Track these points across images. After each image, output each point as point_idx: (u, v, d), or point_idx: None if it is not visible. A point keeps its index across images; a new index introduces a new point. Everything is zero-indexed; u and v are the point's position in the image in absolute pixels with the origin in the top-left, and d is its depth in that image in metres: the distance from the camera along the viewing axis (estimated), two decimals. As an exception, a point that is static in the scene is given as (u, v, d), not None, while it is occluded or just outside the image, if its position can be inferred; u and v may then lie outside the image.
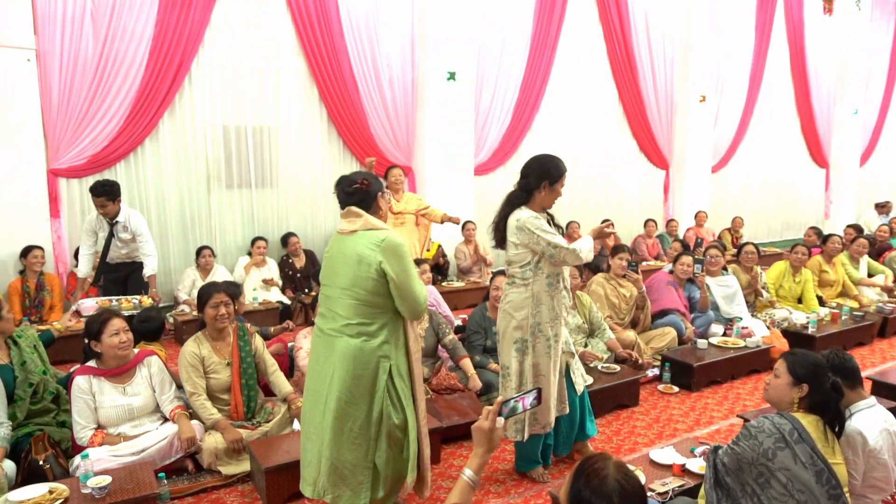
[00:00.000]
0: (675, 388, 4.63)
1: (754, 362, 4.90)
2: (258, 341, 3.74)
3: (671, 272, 5.66)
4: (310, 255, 7.26)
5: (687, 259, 5.50)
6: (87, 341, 3.34)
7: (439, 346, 4.41)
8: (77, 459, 3.15)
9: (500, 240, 3.29)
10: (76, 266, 5.49)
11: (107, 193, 4.96)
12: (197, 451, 3.35)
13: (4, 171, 5.74)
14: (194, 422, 3.42)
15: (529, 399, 1.97)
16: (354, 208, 2.63)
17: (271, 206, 7.29)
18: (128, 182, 6.46)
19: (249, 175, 7.10)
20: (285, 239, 7.10)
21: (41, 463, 3.07)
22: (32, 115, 5.87)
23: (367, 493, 2.61)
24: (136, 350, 3.48)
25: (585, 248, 3.10)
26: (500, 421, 1.95)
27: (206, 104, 6.74)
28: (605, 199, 9.89)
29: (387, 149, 7.80)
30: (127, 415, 3.35)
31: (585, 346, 4.80)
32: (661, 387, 4.66)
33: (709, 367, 4.67)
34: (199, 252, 6.43)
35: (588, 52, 9.29)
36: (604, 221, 3.38)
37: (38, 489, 2.75)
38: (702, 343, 4.94)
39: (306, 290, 6.88)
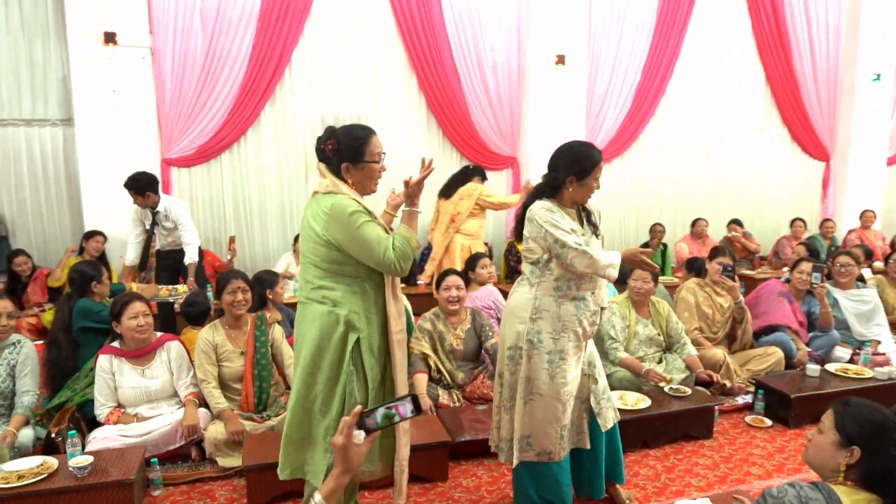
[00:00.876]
0: (768, 422, 3.83)
1: (881, 398, 3.91)
2: (277, 332, 3.64)
3: (787, 281, 4.74)
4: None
5: (805, 266, 4.56)
6: (111, 321, 3.44)
7: (483, 351, 4.04)
8: (93, 433, 3.27)
9: (518, 233, 2.87)
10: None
11: (131, 188, 5.06)
12: (201, 439, 3.33)
13: (125, 161, 6.23)
14: (203, 410, 3.41)
15: (407, 407, 1.58)
16: (322, 166, 2.39)
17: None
18: (231, 171, 6.78)
19: (347, 165, 7.13)
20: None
21: (53, 436, 3.20)
22: (148, 108, 6.34)
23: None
24: (158, 334, 3.54)
25: (605, 260, 2.55)
26: (360, 436, 1.59)
27: (305, 95, 6.87)
28: (745, 197, 8.70)
29: (489, 139, 7.46)
30: (144, 396, 3.41)
31: (660, 361, 4.15)
32: (749, 418, 3.88)
33: (812, 399, 3.79)
34: (296, 239, 6.59)
35: (727, 26, 8.18)
36: (644, 245, 2.83)
37: (30, 461, 2.85)
38: (812, 369, 4.05)
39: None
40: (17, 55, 6.16)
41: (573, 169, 2.61)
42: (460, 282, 3.98)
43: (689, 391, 3.75)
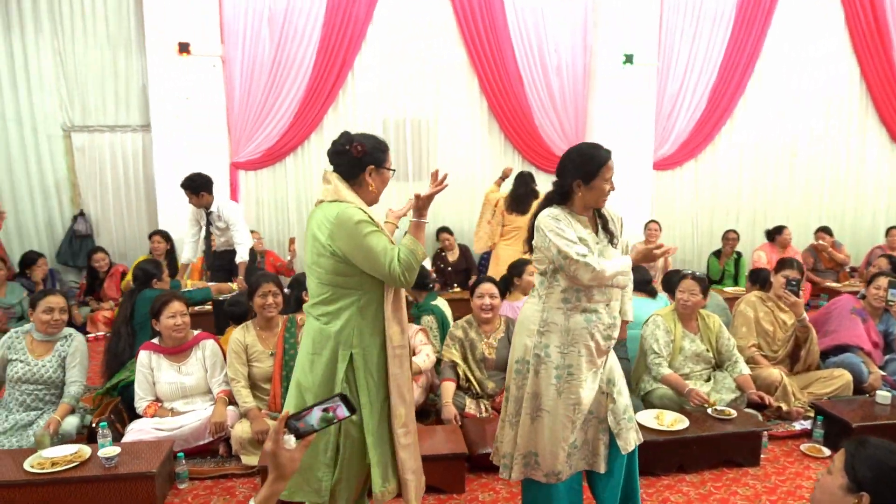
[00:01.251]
0: (826, 451, 3.49)
1: (965, 433, 3.48)
2: (307, 335, 3.68)
3: (863, 297, 4.32)
4: (464, 251, 7.09)
5: (881, 281, 4.14)
6: (152, 318, 3.61)
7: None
8: (131, 425, 3.45)
9: (530, 244, 2.76)
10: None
11: (187, 188, 5.23)
12: (228, 437, 3.43)
13: (196, 165, 6.51)
14: (232, 408, 3.51)
15: (342, 408, 1.54)
16: (331, 173, 2.35)
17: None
18: (295, 174, 6.99)
19: (407, 168, 7.18)
20: (438, 233, 7.04)
21: (94, 425, 3.40)
22: (219, 114, 6.65)
23: (327, 493, 2.34)
24: (195, 332, 3.68)
25: (611, 269, 2.40)
26: (290, 441, 1.56)
27: (367, 99, 6.98)
28: (834, 202, 8.04)
29: (552, 141, 7.29)
30: (180, 392, 3.55)
31: (708, 379, 3.89)
32: (805, 446, 3.55)
33: (877, 430, 3.42)
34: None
35: (816, 16, 7.59)
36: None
37: (66, 449, 3.03)
38: (883, 396, 3.65)
39: (455, 286, 6.75)
40: (103, 66, 6.62)
41: (579, 173, 2.47)
42: (494, 290, 3.89)
43: (734, 413, 3.48)
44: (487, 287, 3.88)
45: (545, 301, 2.54)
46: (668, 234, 7.46)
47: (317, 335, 2.30)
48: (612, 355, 2.65)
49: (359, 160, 2.32)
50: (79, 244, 6.79)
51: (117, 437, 3.36)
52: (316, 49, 6.71)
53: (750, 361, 4.03)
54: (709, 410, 3.51)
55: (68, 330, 3.62)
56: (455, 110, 7.17)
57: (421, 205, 2.34)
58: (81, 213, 6.80)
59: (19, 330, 3.58)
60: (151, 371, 3.54)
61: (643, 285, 4.48)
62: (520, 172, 6.05)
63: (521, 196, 5.88)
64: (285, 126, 6.83)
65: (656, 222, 6.94)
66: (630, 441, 2.62)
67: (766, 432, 3.49)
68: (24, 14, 6.43)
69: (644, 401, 3.84)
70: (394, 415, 2.34)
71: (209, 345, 3.64)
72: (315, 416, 1.55)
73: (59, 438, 3.29)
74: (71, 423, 3.40)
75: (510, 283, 4.49)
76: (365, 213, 2.26)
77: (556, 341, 2.52)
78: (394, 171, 2.46)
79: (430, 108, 7.12)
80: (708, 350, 3.90)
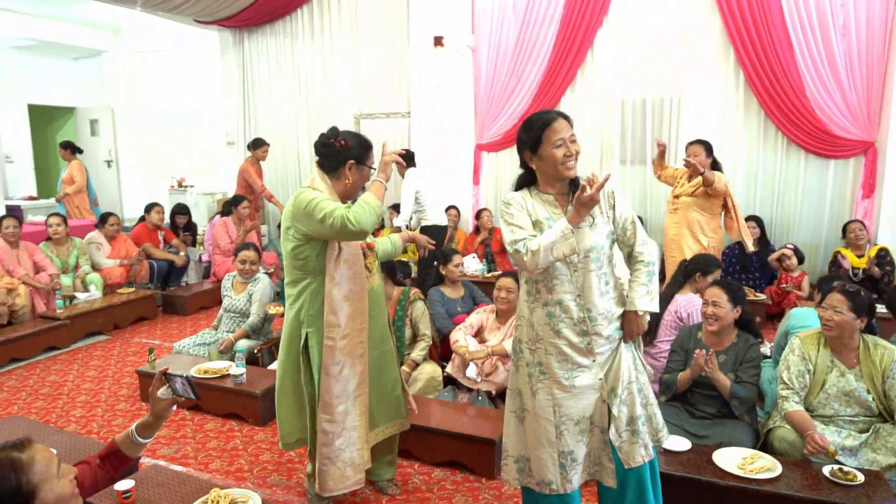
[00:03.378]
0: None
1: None
2: (417, 309, 3.94)
3: None
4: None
5: None
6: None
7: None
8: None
9: None
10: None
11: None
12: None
13: (447, 147, 7.30)
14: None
15: (189, 391, 1.92)
16: (316, 165, 2.58)
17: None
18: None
19: (645, 151, 6.72)
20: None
21: (256, 353, 4.31)
22: (467, 100, 7.23)
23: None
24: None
25: (546, 240, 2.12)
26: (164, 392, 1.96)
27: (606, 78, 6.73)
28: None
29: (831, 118, 5.96)
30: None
31: (865, 430, 2.95)
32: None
33: None
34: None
35: None
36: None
37: (222, 364, 3.97)
38: None
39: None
40: (382, 61, 7.77)
41: (526, 143, 2.27)
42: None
43: (859, 478, 2.62)
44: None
45: (521, 290, 2.41)
46: None
47: (288, 316, 2.61)
48: (625, 356, 2.32)
49: (340, 154, 2.52)
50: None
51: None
52: (557, 29, 6.74)
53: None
54: (825, 470, 2.71)
55: (259, 275, 4.62)
56: (704, 86, 6.39)
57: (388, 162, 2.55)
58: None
59: (230, 274, 4.72)
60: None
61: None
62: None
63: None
64: (525, 108, 7.04)
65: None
66: (634, 456, 2.31)
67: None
68: (325, 22, 7.95)
69: (765, 441, 3.13)
70: (320, 399, 2.52)
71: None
72: (178, 384, 1.95)
73: (233, 354, 4.28)
74: (245, 345, 4.38)
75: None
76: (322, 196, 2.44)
77: (525, 336, 2.37)
78: (374, 169, 2.58)
79: (675, 85, 6.50)
80: (869, 391, 2.95)
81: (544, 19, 6.77)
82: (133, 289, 6.05)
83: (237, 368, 3.81)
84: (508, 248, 2.22)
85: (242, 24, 8.35)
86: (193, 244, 7.21)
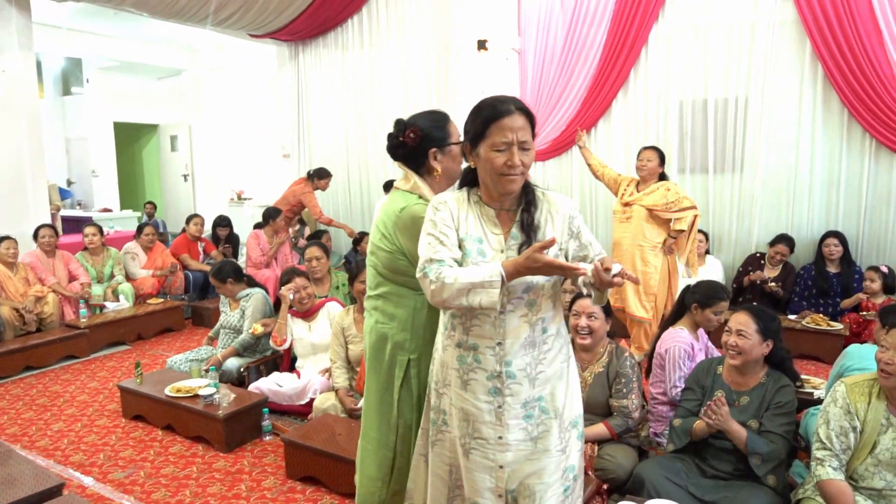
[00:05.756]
0: None
1: None
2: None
3: None
4: (787, 268, 5.43)
5: None
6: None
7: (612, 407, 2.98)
8: (267, 376, 4.01)
9: None
10: None
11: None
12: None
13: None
14: (321, 378, 3.74)
15: None
16: (401, 164, 2.13)
17: (731, 195, 5.91)
18: (580, 166, 6.57)
19: (707, 157, 5.98)
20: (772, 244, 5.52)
21: (241, 372, 4.05)
22: (512, 105, 6.77)
23: None
24: (320, 298, 4.05)
25: (463, 279, 1.62)
26: None
27: (661, 78, 6.06)
28: None
29: (930, 116, 5.02)
30: (311, 349, 3.96)
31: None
32: None
33: None
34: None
35: None
36: None
37: (197, 382, 3.73)
38: None
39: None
40: (428, 67, 7.45)
41: (468, 135, 1.78)
42: (595, 309, 3.02)
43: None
44: (585, 304, 3.05)
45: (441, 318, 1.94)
46: None
47: (373, 335, 2.13)
48: (552, 457, 1.78)
49: (416, 147, 2.06)
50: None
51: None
52: (608, 28, 6.16)
53: None
54: (862, 559, 2.05)
55: (251, 290, 4.38)
56: (775, 84, 5.59)
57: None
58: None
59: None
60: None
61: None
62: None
63: None
64: (573, 114, 6.50)
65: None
66: None
67: None
68: (374, 31, 7.73)
69: (794, 511, 2.48)
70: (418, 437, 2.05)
71: (334, 307, 3.99)
72: None
73: (221, 373, 4.05)
74: (233, 363, 4.14)
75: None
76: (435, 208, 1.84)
77: (435, 375, 1.93)
78: (461, 142, 1.93)
79: (740, 83, 5.72)
80: (931, 461, 2.24)
81: (594, 17, 6.22)
82: (161, 300, 6.03)
83: (207, 389, 3.55)
84: (419, 266, 1.74)
85: (296, 37, 8.33)
86: (235, 255, 7.17)
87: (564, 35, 6.40)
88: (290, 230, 7.11)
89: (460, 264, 1.72)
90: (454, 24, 6.92)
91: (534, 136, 1.76)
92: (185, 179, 11.71)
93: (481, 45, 6.66)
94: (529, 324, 1.75)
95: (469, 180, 1.88)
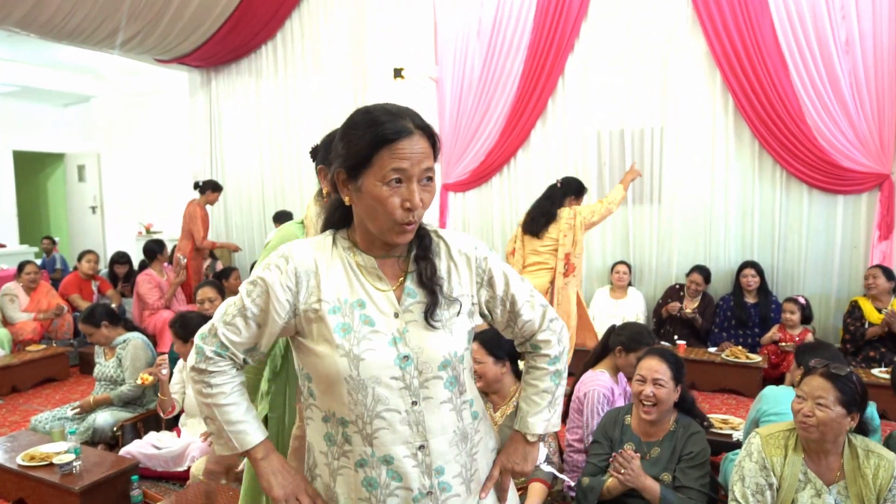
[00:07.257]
0: None
1: None
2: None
3: None
4: (706, 299, 5.37)
5: None
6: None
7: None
8: (143, 438, 3.55)
9: None
10: None
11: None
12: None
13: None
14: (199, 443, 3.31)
15: None
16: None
17: (650, 226, 5.86)
18: (500, 194, 6.45)
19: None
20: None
21: (115, 431, 3.58)
22: (431, 135, 6.57)
23: None
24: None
25: (213, 402, 1.27)
26: None
27: (579, 107, 6.00)
28: None
29: (835, 146, 5.10)
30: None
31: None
32: None
33: None
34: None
35: None
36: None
37: (57, 447, 3.24)
38: None
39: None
40: (344, 95, 7.15)
41: (342, 159, 1.26)
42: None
43: None
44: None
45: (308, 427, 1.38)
46: None
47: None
48: None
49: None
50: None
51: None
52: (524, 57, 6.07)
53: None
54: None
55: (128, 335, 3.92)
56: (688, 114, 5.60)
57: None
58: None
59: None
60: (184, 384, 3.60)
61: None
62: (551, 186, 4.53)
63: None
64: (491, 144, 6.34)
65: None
66: None
67: None
68: (288, 58, 7.43)
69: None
70: None
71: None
72: None
73: (92, 434, 3.57)
74: (105, 419, 3.66)
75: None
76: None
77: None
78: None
79: (655, 114, 5.72)
80: (857, 521, 2.06)
81: (511, 46, 6.12)
82: (43, 346, 5.44)
83: (65, 456, 3.08)
84: (203, 328, 1.31)
85: (207, 63, 7.92)
86: (132, 295, 6.60)
87: (482, 64, 6.27)
88: (203, 263, 6.62)
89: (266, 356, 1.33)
90: (370, 52, 6.71)
91: (435, 159, 1.29)
92: (94, 211, 10.96)
93: (398, 73, 6.46)
94: (456, 410, 1.32)
95: (336, 219, 1.38)
